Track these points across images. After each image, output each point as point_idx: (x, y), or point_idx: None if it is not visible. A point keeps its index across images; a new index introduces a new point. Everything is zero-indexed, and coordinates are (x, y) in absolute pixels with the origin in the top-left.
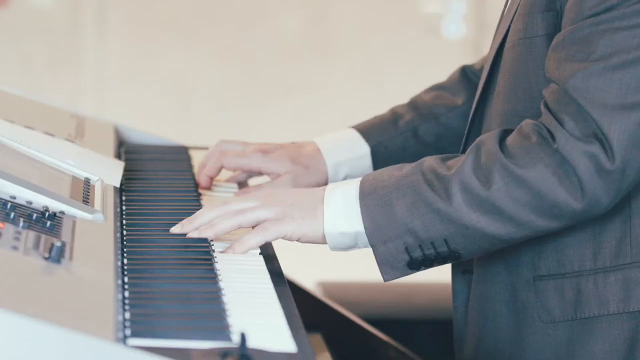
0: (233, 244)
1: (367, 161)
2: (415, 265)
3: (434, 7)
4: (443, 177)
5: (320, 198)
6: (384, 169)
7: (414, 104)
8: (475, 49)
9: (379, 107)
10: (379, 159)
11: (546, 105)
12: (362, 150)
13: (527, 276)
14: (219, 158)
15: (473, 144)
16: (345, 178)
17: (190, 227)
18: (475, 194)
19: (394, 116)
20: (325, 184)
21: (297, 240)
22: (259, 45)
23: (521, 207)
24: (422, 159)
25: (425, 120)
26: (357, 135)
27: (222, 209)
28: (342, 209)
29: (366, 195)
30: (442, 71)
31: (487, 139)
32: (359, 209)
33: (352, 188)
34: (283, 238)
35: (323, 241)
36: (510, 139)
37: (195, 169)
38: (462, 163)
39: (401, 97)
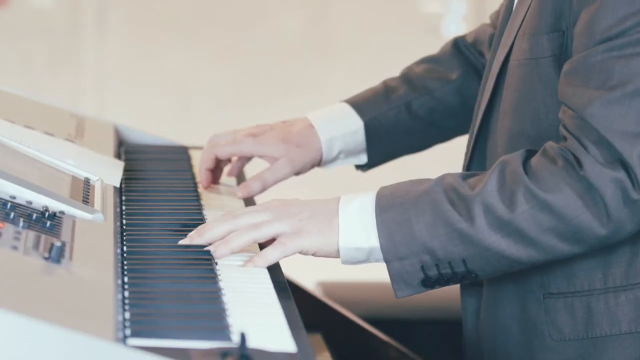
0: (253, 258)
1: (361, 136)
2: (430, 283)
3: (434, 7)
4: (466, 197)
5: (335, 211)
6: (402, 182)
7: (406, 77)
8: None
9: None
10: (372, 133)
11: (567, 130)
12: (355, 124)
13: (536, 294)
14: (212, 150)
15: (496, 163)
16: (339, 153)
17: (200, 240)
18: (499, 216)
19: (387, 89)
20: (320, 160)
21: (312, 255)
22: (259, 45)
23: (545, 232)
24: (441, 176)
25: (419, 94)
26: (350, 109)
27: (233, 223)
28: (358, 224)
29: (384, 211)
30: None
31: (511, 159)
32: (376, 224)
33: (368, 201)
34: (299, 253)
35: (337, 255)
36: (535, 161)
37: (196, 169)
38: (485, 183)
39: None
